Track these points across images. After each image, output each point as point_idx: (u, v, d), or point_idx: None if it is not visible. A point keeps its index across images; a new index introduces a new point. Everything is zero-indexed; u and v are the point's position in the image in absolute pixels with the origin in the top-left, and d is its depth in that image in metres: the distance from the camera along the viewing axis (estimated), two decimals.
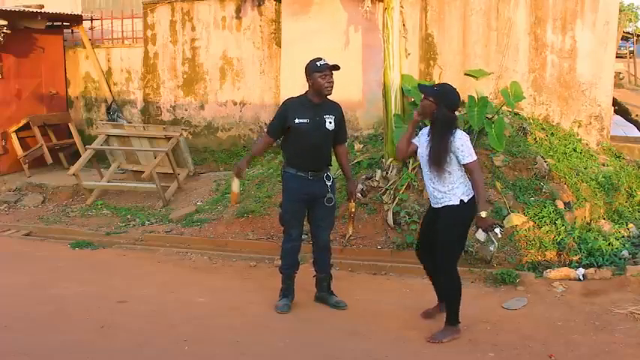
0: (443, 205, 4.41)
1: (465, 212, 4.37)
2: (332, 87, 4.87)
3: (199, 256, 6.63)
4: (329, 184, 4.97)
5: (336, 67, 4.84)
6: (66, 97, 11.23)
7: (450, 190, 4.36)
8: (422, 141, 4.51)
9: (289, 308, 5.06)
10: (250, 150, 5.62)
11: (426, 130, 4.52)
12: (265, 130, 5.81)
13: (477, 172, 4.33)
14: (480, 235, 4.30)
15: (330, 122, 4.87)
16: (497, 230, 4.34)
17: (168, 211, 8.01)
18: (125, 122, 10.40)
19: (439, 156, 4.31)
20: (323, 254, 5.14)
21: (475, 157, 4.32)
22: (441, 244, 4.46)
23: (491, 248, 4.35)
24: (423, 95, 4.44)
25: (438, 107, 4.33)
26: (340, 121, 4.98)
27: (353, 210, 5.19)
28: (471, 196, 4.38)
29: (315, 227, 5.12)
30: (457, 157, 4.31)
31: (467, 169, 4.36)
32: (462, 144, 4.28)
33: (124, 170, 9.54)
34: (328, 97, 4.95)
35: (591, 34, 8.06)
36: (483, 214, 4.29)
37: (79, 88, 11.39)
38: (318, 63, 4.83)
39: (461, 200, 4.36)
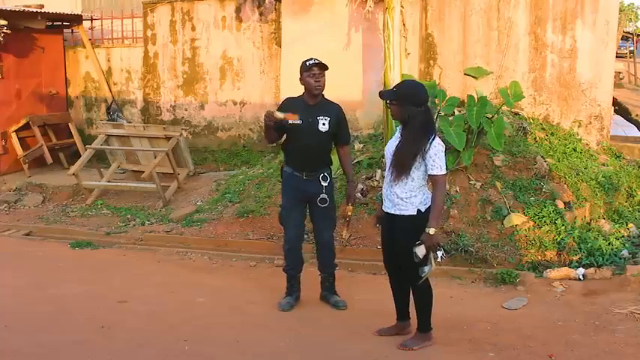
0: (399, 213, 4.18)
1: (422, 223, 4.05)
2: (321, 86, 4.83)
3: (199, 256, 6.63)
4: (324, 184, 4.95)
5: (324, 67, 4.79)
6: (66, 96, 11.23)
7: (408, 197, 4.12)
8: (392, 140, 4.31)
9: (291, 307, 5.07)
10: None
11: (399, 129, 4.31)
12: None
13: (440, 187, 4.05)
14: (420, 250, 3.99)
15: (324, 124, 4.84)
16: (439, 253, 4.04)
17: (168, 211, 8.01)
18: (125, 122, 10.40)
19: (405, 160, 4.08)
20: (324, 254, 5.14)
21: (445, 172, 4.07)
22: (401, 255, 4.23)
23: (425, 269, 4.08)
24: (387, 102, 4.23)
25: (404, 107, 4.09)
26: (339, 122, 4.95)
27: (349, 214, 5.14)
28: (428, 205, 4.12)
29: (315, 227, 5.12)
30: (426, 166, 4.07)
31: (432, 180, 4.09)
32: (435, 153, 4.04)
33: (124, 170, 9.54)
34: (326, 97, 4.94)
35: (591, 34, 8.06)
36: (432, 231, 3.98)
37: (79, 87, 11.40)
38: (307, 62, 4.82)
39: (418, 210, 4.13)
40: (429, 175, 4.09)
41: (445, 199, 4.15)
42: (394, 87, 4.35)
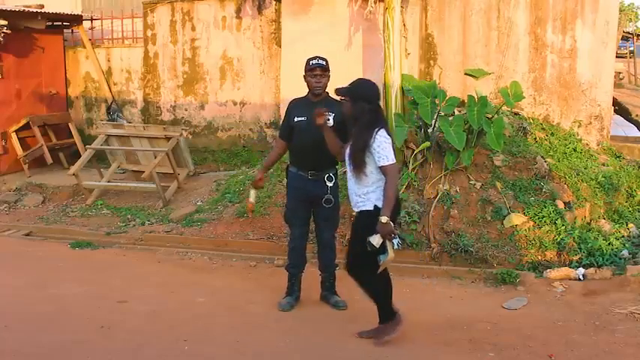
0: (359, 209, 4.26)
1: (377, 219, 4.10)
2: (322, 87, 4.88)
3: (199, 256, 6.63)
4: (329, 185, 4.96)
5: (327, 68, 4.83)
6: (66, 97, 11.22)
7: (366, 193, 4.21)
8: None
9: (291, 307, 5.07)
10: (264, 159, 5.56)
11: None
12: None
13: (390, 177, 4.11)
14: (375, 239, 4.04)
15: (329, 120, 4.85)
16: (395, 241, 4.07)
17: (169, 211, 8.01)
18: (125, 122, 10.40)
19: (356, 155, 4.18)
20: (325, 254, 5.14)
21: (392, 161, 4.13)
22: (353, 249, 4.29)
23: (382, 258, 4.08)
24: (340, 98, 4.37)
25: (355, 104, 4.23)
26: (344, 119, 4.95)
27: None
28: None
29: (317, 227, 5.13)
30: (374, 158, 4.15)
31: (382, 172, 4.16)
32: (379, 144, 4.12)
33: (124, 170, 9.54)
34: (330, 95, 4.96)
35: (591, 34, 8.06)
36: (384, 219, 4.04)
37: (79, 88, 11.39)
38: (311, 62, 4.88)
39: (375, 205, 4.18)
40: (379, 167, 4.16)
41: (397, 188, 4.17)
42: (349, 84, 4.45)
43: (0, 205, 8.76)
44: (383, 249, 4.12)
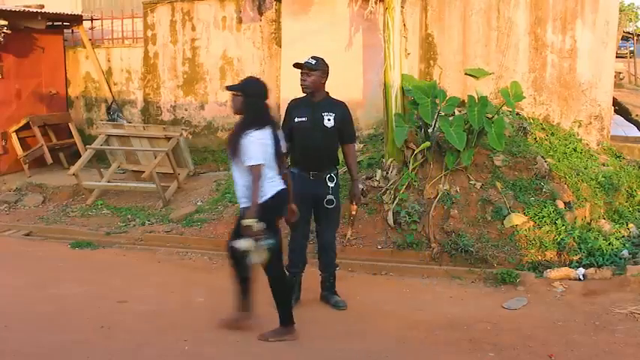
0: (242, 205, 4.32)
1: (261, 213, 4.15)
2: (307, 85, 4.87)
3: (199, 256, 6.63)
4: (331, 185, 4.95)
5: (308, 66, 4.83)
6: (66, 97, 11.22)
7: (248, 188, 4.24)
8: None
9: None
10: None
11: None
12: None
13: (253, 178, 4.16)
14: (239, 243, 4.10)
15: (329, 120, 4.86)
16: (263, 243, 4.10)
17: (169, 211, 8.01)
18: (125, 122, 10.40)
19: (234, 148, 4.26)
20: (325, 254, 5.14)
21: (256, 163, 4.16)
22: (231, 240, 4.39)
23: (253, 260, 4.14)
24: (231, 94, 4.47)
25: (244, 99, 4.32)
26: (344, 120, 4.95)
27: (354, 213, 5.16)
28: (267, 196, 4.23)
29: (318, 227, 5.13)
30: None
31: (248, 170, 4.21)
32: (245, 144, 4.18)
33: (124, 170, 9.54)
34: (330, 95, 4.96)
35: (591, 34, 8.06)
36: (246, 222, 4.10)
37: (79, 88, 11.39)
38: (301, 61, 4.89)
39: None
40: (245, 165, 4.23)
41: (260, 190, 4.17)
42: (240, 81, 4.57)
43: (0, 205, 8.76)
44: (251, 251, 4.15)
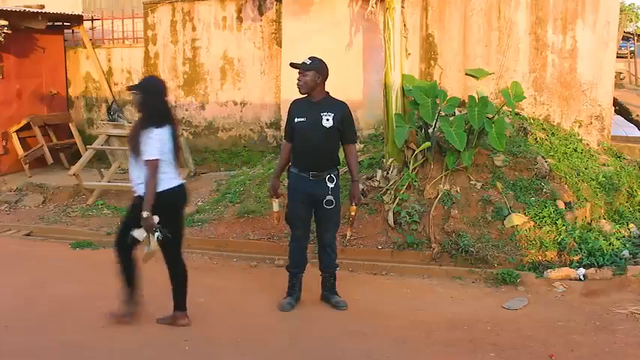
0: (137, 193, 4.49)
1: (159, 201, 4.35)
2: (302, 85, 4.88)
3: (200, 256, 6.62)
4: (330, 185, 4.94)
5: (302, 67, 4.86)
6: (66, 97, 11.23)
7: (144, 182, 4.40)
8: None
9: (292, 307, 5.06)
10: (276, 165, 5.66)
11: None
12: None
13: (148, 173, 4.33)
14: (137, 233, 4.39)
15: (328, 119, 4.85)
16: (157, 234, 4.37)
17: None
18: (126, 122, 10.40)
19: (133, 143, 4.42)
20: (325, 254, 5.13)
21: (152, 158, 4.33)
22: (121, 227, 4.62)
23: (146, 249, 4.45)
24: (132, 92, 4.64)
25: (142, 97, 4.48)
26: (344, 119, 4.92)
27: (353, 214, 5.14)
28: (166, 188, 4.41)
29: (318, 227, 5.12)
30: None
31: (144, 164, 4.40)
32: (144, 140, 4.36)
33: (124, 170, 9.53)
34: (331, 95, 4.96)
35: (592, 34, 8.06)
36: (145, 214, 4.31)
37: (79, 88, 11.39)
38: (298, 61, 4.92)
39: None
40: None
41: (154, 185, 4.36)
42: (140, 80, 4.87)
43: (0, 205, 8.76)
44: (148, 241, 4.40)
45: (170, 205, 4.47)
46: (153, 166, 4.34)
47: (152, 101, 4.47)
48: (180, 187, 4.57)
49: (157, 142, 4.36)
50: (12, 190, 9.28)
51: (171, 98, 10.52)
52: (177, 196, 4.55)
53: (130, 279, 4.72)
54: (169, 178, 4.46)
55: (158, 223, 4.35)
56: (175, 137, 4.53)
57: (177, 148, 4.56)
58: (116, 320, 4.71)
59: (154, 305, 5.21)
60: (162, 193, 4.39)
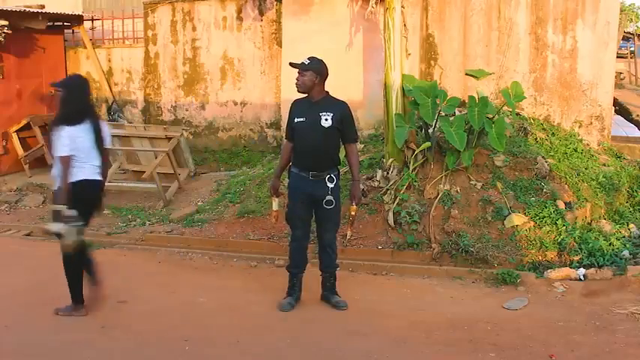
0: (54, 188, 4.69)
1: (75, 191, 4.56)
2: (300, 84, 4.89)
3: (200, 256, 6.63)
4: (330, 185, 4.94)
5: (301, 66, 4.88)
6: None
7: (58, 175, 4.58)
8: None
9: (292, 307, 5.06)
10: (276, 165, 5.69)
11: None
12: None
13: (60, 168, 4.55)
14: (52, 226, 4.63)
15: (327, 119, 4.84)
16: (72, 225, 4.58)
17: (169, 212, 8.01)
18: (126, 122, 10.42)
19: (49, 140, 4.69)
20: (326, 254, 5.13)
21: (62, 154, 4.53)
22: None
23: (67, 241, 4.66)
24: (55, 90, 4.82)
25: (62, 93, 4.66)
26: (344, 118, 4.91)
27: (353, 214, 5.14)
28: (75, 180, 4.57)
29: (318, 227, 5.12)
30: None
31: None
32: (56, 137, 4.56)
33: (124, 170, 9.55)
34: (331, 95, 4.96)
35: (592, 34, 8.06)
36: (55, 207, 4.55)
37: None
38: (297, 61, 4.93)
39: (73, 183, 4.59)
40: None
41: (65, 179, 4.58)
42: (63, 78, 5.11)
43: (1, 205, 8.77)
44: (65, 232, 4.57)
45: (81, 198, 4.62)
46: (63, 161, 4.54)
47: (72, 99, 4.65)
48: (95, 181, 4.72)
49: (66, 139, 4.54)
50: (12, 190, 9.28)
51: (171, 98, 10.60)
52: (88, 189, 4.69)
53: (87, 265, 4.90)
54: (84, 172, 4.63)
55: (72, 216, 4.53)
56: (98, 132, 4.71)
57: (100, 143, 4.73)
58: (68, 314, 4.86)
59: (152, 305, 5.21)
60: (75, 184, 4.57)
